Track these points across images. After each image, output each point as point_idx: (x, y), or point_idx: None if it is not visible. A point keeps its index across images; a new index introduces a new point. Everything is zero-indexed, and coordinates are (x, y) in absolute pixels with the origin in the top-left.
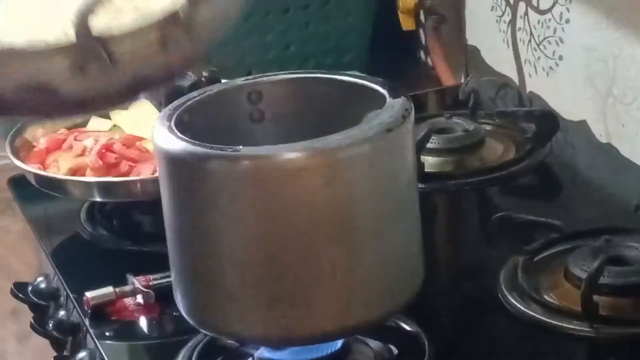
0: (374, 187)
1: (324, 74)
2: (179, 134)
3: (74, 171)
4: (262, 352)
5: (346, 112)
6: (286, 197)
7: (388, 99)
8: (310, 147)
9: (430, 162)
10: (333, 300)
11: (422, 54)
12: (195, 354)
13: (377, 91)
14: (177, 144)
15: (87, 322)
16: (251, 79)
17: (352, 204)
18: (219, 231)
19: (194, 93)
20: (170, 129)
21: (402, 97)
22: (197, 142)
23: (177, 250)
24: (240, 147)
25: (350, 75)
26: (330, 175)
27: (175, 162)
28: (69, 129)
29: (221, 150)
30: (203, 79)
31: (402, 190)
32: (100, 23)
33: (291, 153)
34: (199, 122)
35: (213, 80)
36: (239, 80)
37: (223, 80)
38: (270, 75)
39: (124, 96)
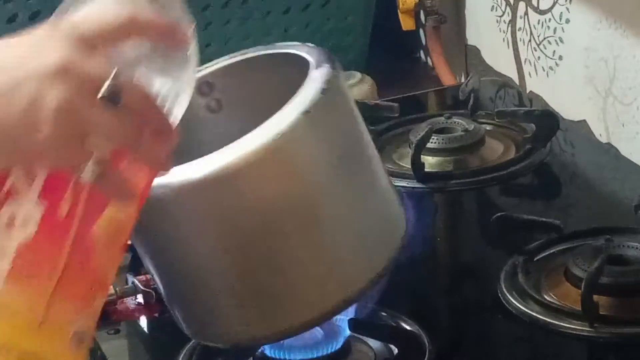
0: (312, 171)
1: (263, 50)
2: None
3: None
4: (262, 350)
5: (298, 84)
6: (222, 211)
7: (310, 70)
8: (224, 158)
9: (430, 162)
10: (306, 288)
11: (422, 54)
12: (195, 354)
13: (305, 59)
14: None
15: None
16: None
17: (292, 197)
18: (179, 250)
19: None
20: None
21: (326, 65)
22: None
23: (156, 273)
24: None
25: (286, 47)
26: (262, 175)
27: None
28: None
29: None
30: None
31: (353, 156)
32: None
33: (210, 166)
34: None
35: None
36: None
37: None
38: (214, 64)
39: None
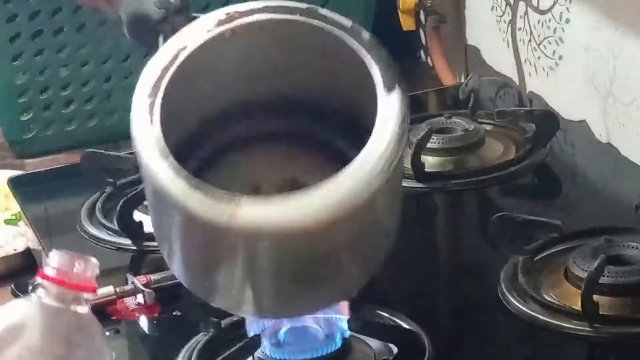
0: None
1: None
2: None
3: None
4: (262, 350)
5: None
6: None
7: (379, 95)
8: (316, 203)
9: (430, 162)
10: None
11: (422, 54)
12: (195, 354)
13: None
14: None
15: None
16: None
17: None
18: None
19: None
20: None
21: (396, 88)
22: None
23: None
24: (242, 197)
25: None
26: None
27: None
28: None
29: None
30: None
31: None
32: None
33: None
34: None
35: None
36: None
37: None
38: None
39: None
